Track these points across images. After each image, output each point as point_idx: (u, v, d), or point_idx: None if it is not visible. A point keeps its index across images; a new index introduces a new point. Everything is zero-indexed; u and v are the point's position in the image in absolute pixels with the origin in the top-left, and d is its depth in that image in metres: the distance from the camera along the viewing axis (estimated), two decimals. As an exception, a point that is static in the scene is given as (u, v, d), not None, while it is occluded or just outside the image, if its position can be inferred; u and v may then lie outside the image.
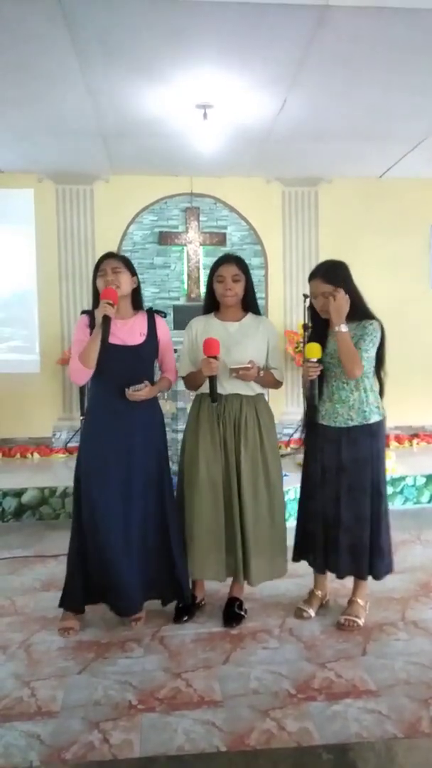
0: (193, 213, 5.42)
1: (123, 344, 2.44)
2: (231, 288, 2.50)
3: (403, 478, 4.30)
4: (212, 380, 2.39)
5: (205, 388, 2.49)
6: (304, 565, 2.69)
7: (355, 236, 5.41)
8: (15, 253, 5.37)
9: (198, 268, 5.44)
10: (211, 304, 2.60)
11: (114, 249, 5.32)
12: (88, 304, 2.83)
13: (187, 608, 2.63)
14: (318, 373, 2.43)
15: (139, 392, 2.41)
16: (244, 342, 2.51)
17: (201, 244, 5.43)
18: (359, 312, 2.47)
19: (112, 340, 2.39)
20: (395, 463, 4.43)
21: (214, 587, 2.75)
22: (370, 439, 2.48)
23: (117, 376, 2.42)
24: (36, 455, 5.11)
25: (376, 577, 2.55)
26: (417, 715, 1.96)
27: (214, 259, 2.63)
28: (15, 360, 5.45)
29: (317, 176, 5.42)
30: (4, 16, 2.75)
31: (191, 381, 2.58)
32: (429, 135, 4.43)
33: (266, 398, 2.65)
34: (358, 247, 5.36)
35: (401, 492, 4.29)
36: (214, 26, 2.87)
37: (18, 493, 4.07)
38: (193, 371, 2.55)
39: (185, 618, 2.60)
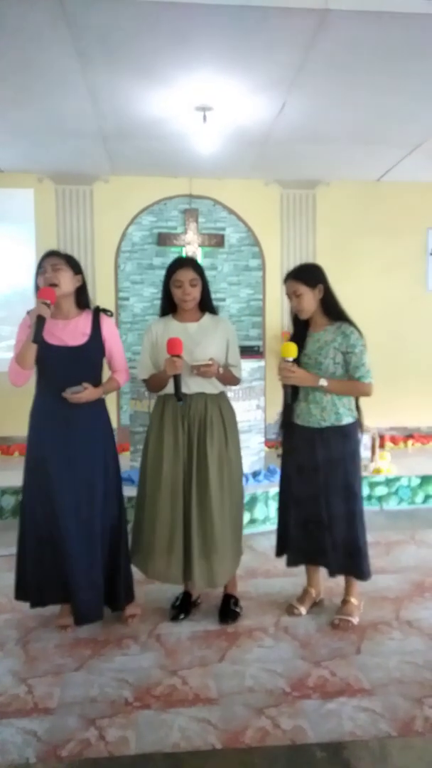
0: (192, 214, 5.44)
1: (63, 345, 2.37)
2: (189, 293, 2.51)
3: (398, 479, 4.33)
4: (177, 379, 2.38)
5: (169, 389, 2.48)
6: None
7: (353, 239, 5.44)
8: (15, 252, 5.38)
9: (196, 269, 5.45)
10: (168, 307, 2.61)
11: (113, 249, 5.35)
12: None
13: (183, 606, 2.65)
14: (293, 372, 2.45)
15: (78, 395, 2.34)
16: (204, 342, 2.52)
17: (199, 246, 5.45)
18: (334, 313, 2.54)
19: (52, 340, 2.34)
20: (390, 464, 4.46)
21: (211, 586, 2.77)
22: (343, 440, 2.52)
23: (58, 378, 2.35)
24: (33, 454, 5.11)
25: (360, 577, 2.56)
26: (411, 714, 1.98)
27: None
28: (13, 359, 5.45)
29: (315, 179, 5.45)
30: (5, 16, 2.77)
31: (154, 383, 2.55)
32: (426, 139, 4.46)
33: (227, 396, 2.65)
34: (355, 249, 5.39)
35: (396, 492, 4.32)
36: (215, 29, 2.89)
37: (16, 491, 4.08)
38: (155, 373, 2.54)
39: (182, 616, 2.61)
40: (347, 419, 2.53)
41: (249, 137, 4.35)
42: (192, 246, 5.44)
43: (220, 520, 2.49)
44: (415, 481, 4.36)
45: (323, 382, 2.45)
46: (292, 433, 2.61)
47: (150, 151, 4.66)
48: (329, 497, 2.51)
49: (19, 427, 5.24)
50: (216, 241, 5.46)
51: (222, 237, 5.48)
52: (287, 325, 5.52)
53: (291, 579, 2.89)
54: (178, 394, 2.39)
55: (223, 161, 4.86)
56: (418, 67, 3.29)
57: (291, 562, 2.68)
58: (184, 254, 5.45)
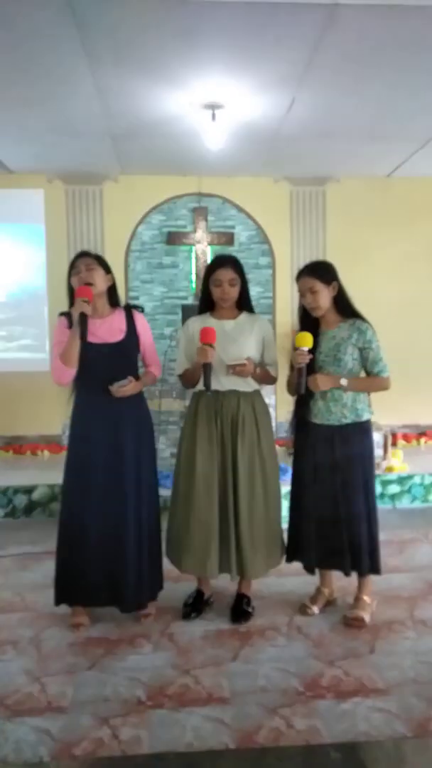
0: (201, 213, 5.43)
1: (103, 342, 2.44)
2: (228, 292, 2.53)
3: (410, 477, 4.29)
4: (207, 368, 2.39)
5: (202, 384, 2.51)
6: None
7: (363, 235, 5.39)
8: (25, 252, 5.41)
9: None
10: (206, 304, 2.62)
11: (123, 249, 5.36)
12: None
13: (195, 605, 2.65)
14: (306, 361, 2.43)
15: (124, 388, 2.41)
16: (240, 340, 2.54)
17: (209, 244, 5.43)
18: (348, 310, 2.54)
19: (92, 339, 2.39)
20: (403, 462, 4.42)
21: (223, 584, 2.76)
22: (363, 436, 2.53)
23: (100, 374, 2.42)
24: (46, 452, 5.15)
25: (378, 572, 2.57)
26: (426, 714, 1.96)
27: (226, 261, 2.63)
28: (25, 358, 5.49)
29: (325, 175, 5.41)
30: (13, 16, 2.77)
31: (188, 378, 2.59)
32: (438, 133, 4.41)
33: (263, 395, 2.66)
34: (366, 246, 5.34)
35: (409, 491, 4.28)
36: (223, 26, 2.87)
37: (28, 490, 4.11)
38: (189, 368, 2.57)
39: (194, 615, 2.61)
40: (366, 415, 2.54)
41: (258, 134, 4.33)
42: (202, 244, 5.43)
43: (250, 517, 2.50)
44: (429, 479, 4.32)
45: (344, 382, 2.45)
46: (307, 433, 2.58)
47: (159, 150, 4.65)
48: (349, 495, 2.49)
49: (31, 426, 5.34)
50: (225, 239, 5.44)
51: (232, 235, 5.46)
52: (297, 323, 5.49)
53: (303, 578, 2.87)
54: (207, 384, 2.41)
55: (233, 159, 4.84)
56: (429, 61, 3.25)
57: (309, 569, 2.65)
58: (193, 252, 5.45)
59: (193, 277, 5.48)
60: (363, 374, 2.55)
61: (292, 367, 2.51)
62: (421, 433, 5.48)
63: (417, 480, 4.30)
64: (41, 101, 3.75)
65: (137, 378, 2.50)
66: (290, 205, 5.47)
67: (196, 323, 2.59)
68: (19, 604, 2.80)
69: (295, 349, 2.45)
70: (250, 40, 3.01)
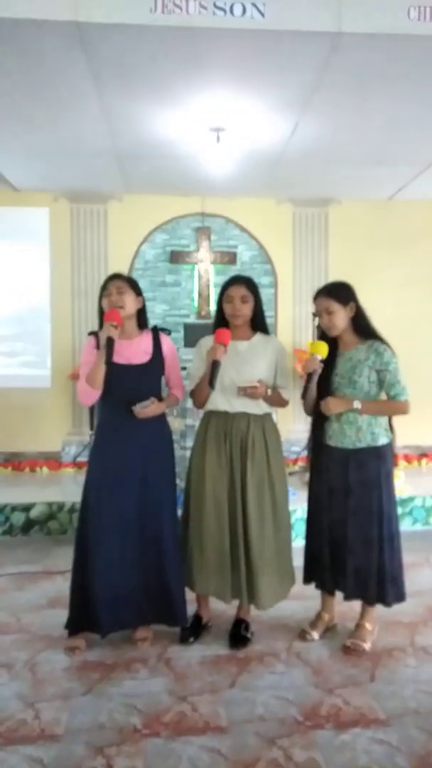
0: (205, 232, 5.48)
1: (129, 363, 2.46)
2: (239, 309, 2.52)
3: (411, 499, 4.26)
4: (215, 365, 2.40)
5: (211, 405, 2.53)
6: (311, 587, 2.66)
7: (365, 257, 5.43)
8: (29, 269, 5.45)
9: (208, 287, 5.48)
10: (221, 324, 2.62)
11: (126, 267, 5.39)
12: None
13: (193, 629, 2.61)
14: (316, 368, 2.42)
15: (146, 409, 2.43)
16: (253, 361, 2.53)
17: (212, 263, 5.47)
18: (366, 331, 2.50)
19: (118, 359, 2.41)
20: (404, 484, 4.39)
21: (221, 608, 2.72)
22: (378, 461, 2.46)
23: (124, 395, 2.44)
24: (45, 469, 5.12)
25: (386, 604, 2.50)
26: (427, 747, 1.91)
27: (225, 279, 2.66)
28: (26, 375, 5.49)
29: (327, 198, 5.47)
30: (22, 40, 2.83)
31: (199, 390, 2.56)
32: (439, 158, 4.46)
33: (274, 418, 2.65)
34: (368, 267, 5.37)
35: (410, 513, 4.25)
36: (229, 52, 2.93)
37: (26, 508, 4.07)
38: (200, 383, 2.54)
39: (191, 639, 2.57)
40: (383, 440, 2.48)
41: (262, 157, 4.39)
42: (204, 264, 5.47)
43: (259, 542, 2.47)
44: (430, 502, 4.28)
45: (357, 405, 2.41)
46: (322, 455, 2.55)
47: (163, 170, 4.71)
48: (361, 521, 2.44)
49: (29, 443, 5.32)
50: (228, 258, 5.48)
51: (234, 255, 5.51)
52: (298, 343, 5.50)
53: (303, 602, 2.83)
54: (212, 382, 2.41)
55: (236, 180, 4.90)
56: (429, 87, 3.30)
57: (320, 587, 2.63)
58: (196, 271, 5.48)
59: (196, 295, 5.51)
60: (384, 397, 2.49)
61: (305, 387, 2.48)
62: (423, 454, 5.45)
63: (418, 502, 4.27)
64: (48, 122, 3.80)
65: (160, 399, 2.51)
66: (293, 227, 5.52)
67: (209, 342, 2.58)
68: (14, 625, 2.76)
69: (311, 355, 2.44)
70: (255, 65, 3.06)
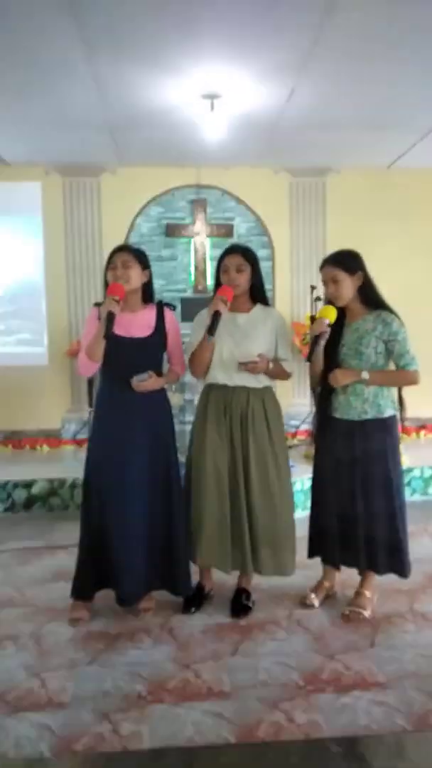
0: (200, 205, 5.39)
1: (130, 336, 2.45)
2: (235, 278, 2.48)
3: (410, 470, 4.29)
4: (216, 316, 2.39)
5: (211, 378, 2.53)
6: (316, 559, 2.68)
7: (363, 227, 5.35)
8: (23, 245, 5.37)
9: (205, 260, 5.41)
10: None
11: (121, 241, 5.31)
12: (96, 297, 2.85)
13: (195, 599, 2.64)
14: (323, 329, 2.39)
15: (144, 382, 2.42)
16: (253, 334, 2.51)
17: (208, 236, 5.40)
18: (373, 301, 2.47)
19: (120, 332, 2.40)
20: (403, 455, 4.41)
21: (222, 578, 2.75)
22: (384, 433, 2.46)
23: (124, 368, 2.43)
24: (45, 447, 5.14)
25: (402, 575, 2.52)
26: (426, 707, 1.96)
27: (221, 251, 2.62)
28: (23, 352, 5.47)
29: (325, 166, 5.37)
30: (9, 5, 2.73)
31: (196, 358, 2.52)
32: (439, 123, 4.36)
33: (274, 391, 2.64)
34: (366, 237, 5.28)
35: (409, 484, 4.28)
36: (222, 14, 2.83)
37: (28, 485, 4.10)
38: (197, 348, 2.51)
39: (193, 609, 2.61)
40: (389, 411, 2.47)
41: (257, 125, 4.29)
42: (200, 236, 5.40)
43: (264, 514, 2.49)
44: (428, 472, 4.32)
45: (365, 375, 2.39)
46: (328, 429, 2.54)
47: (157, 140, 4.61)
48: (368, 493, 2.45)
49: (29, 421, 5.32)
50: (225, 231, 5.40)
51: (231, 227, 5.43)
52: (297, 316, 5.46)
53: (303, 571, 2.86)
54: (212, 330, 2.39)
55: (232, 150, 4.80)
56: (430, 51, 3.20)
57: (329, 561, 2.65)
58: (192, 245, 5.41)
59: (192, 269, 5.44)
60: (393, 368, 2.47)
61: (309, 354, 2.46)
62: (421, 425, 5.47)
63: (417, 473, 4.30)
64: (38, 92, 3.70)
65: (159, 374, 2.50)
66: (290, 197, 5.43)
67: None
68: (18, 599, 2.79)
69: (319, 317, 2.42)
70: (249, 28, 2.96)
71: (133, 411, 2.46)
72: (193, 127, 4.23)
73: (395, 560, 2.49)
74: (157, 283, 5.41)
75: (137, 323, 2.48)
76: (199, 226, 5.39)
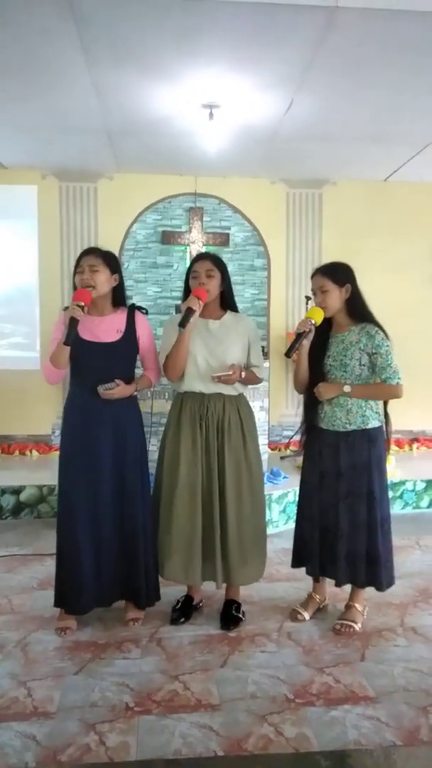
0: (197, 213, 5.41)
1: (97, 341, 2.39)
2: (205, 283, 2.46)
3: (402, 483, 4.29)
4: (189, 312, 2.37)
5: (186, 386, 2.49)
6: (303, 569, 2.67)
7: (359, 239, 5.39)
8: (17, 249, 5.35)
9: (200, 268, 5.42)
10: None
11: (117, 247, 5.31)
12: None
13: (184, 610, 2.61)
14: (307, 328, 2.41)
15: (111, 391, 2.36)
16: (226, 341, 2.50)
17: (204, 244, 5.41)
18: (359, 314, 2.49)
19: (87, 336, 2.36)
20: (395, 468, 4.42)
21: (212, 589, 2.73)
22: (368, 444, 2.46)
23: (92, 374, 2.38)
24: (35, 453, 5.09)
25: (378, 588, 2.51)
26: (416, 723, 1.94)
27: (204, 255, 2.64)
28: (16, 356, 5.43)
29: (322, 178, 5.41)
30: (10, 9, 2.73)
31: (173, 355, 2.45)
32: (435, 139, 4.41)
33: (252, 398, 2.64)
34: (362, 249, 5.34)
35: (401, 497, 4.28)
36: (223, 25, 2.85)
37: (16, 491, 4.05)
38: (172, 351, 2.47)
39: (182, 620, 2.58)
40: (373, 423, 2.47)
41: (256, 135, 4.32)
42: (196, 245, 5.40)
43: (238, 524, 2.47)
44: (420, 485, 4.32)
45: (347, 389, 2.41)
46: (315, 439, 2.55)
47: (155, 148, 4.62)
48: (351, 505, 2.44)
49: (20, 426, 5.28)
50: (221, 240, 5.42)
51: (227, 236, 5.45)
52: (291, 326, 5.48)
53: (294, 584, 2.85)
54: (183, 323, 2.37)
55: (230, 159, 4.83)
56: (428, 65, 3.25)
57: (310, 572, 2.63)
58: (188, 253, 5.42)
59: (187, 277, 5.45)
60: (378, 381, 2.47)
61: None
62: (414, 438, 5.49)
63: (409, 486, 4.30)
64: (37, 96, 3.70)
65: (128, 381, 2.44)
66: (286, 207, 5.46)
67: (177, 319, 2.51)
68: (5, 606, 2.75)
69: (306, 318, 2.44)
70: (250, 40, 2.99)
71: (101, 419, 2.40)
72: (191, 136, 4.25)
73: (372, 573, 2.48)
74: (152, 290, 5.47)
75: (105, 327, 2.42)
76: (196, 235, 5.40)
